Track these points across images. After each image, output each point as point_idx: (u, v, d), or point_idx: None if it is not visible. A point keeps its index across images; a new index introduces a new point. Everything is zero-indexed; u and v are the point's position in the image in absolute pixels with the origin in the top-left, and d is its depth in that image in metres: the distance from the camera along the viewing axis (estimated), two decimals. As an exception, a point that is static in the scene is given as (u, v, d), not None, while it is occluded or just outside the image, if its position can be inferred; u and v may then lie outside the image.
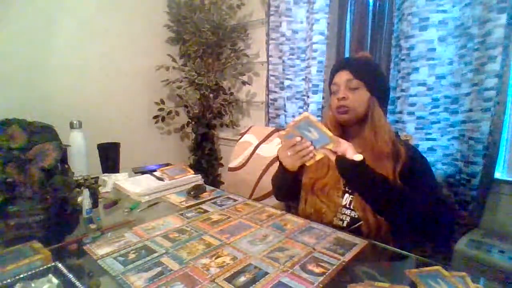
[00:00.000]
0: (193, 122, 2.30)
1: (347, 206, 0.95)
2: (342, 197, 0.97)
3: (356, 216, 0.93)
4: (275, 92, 1.95)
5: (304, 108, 1.82)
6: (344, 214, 0.96)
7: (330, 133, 0.83)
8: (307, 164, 0.89)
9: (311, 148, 0.86)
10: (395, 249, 0.80)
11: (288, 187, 1.08)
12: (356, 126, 0.97)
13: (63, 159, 0.93)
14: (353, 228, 0.92)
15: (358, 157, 0.81)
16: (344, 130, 1.01)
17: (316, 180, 1.00)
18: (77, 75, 1.87)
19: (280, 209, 1.04)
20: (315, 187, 1.00)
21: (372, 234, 0.89)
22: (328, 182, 0.98)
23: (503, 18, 1.12)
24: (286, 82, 1.88)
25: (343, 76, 0.96)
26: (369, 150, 0.92)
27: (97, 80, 1.96)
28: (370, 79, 0.95)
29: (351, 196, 0.95)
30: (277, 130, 1.64)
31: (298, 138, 0.86)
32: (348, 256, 0.74)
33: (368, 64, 0.99)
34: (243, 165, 1.68)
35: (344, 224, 0.94)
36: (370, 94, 0.94)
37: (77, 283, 0.60)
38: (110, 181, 1.26)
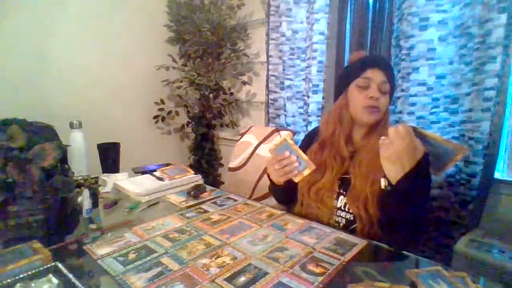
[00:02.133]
0: (193, 122, 2.30)
1: (342, 208, 0.95)
2: (337, 199, 0.97)
3: (352, 218, 0.92)
4: (275, 92, 1.95)
5: (304, 108, 1.82)
6: (339, 216, 0.96)
7: (305, 157, 0.88)
8: (295, 180, 0.91)
9: (296, 164, 0.88)
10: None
11: (280, 195, 1.10)
12: (366, 128, 0.97)
13: (63, 159, 0.93)
14: (347, 231, 0.92)
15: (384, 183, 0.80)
16: (351, 130, 1.00)
17: (312, 184, 1.00)
18: (78, 75, 1.87)
19: (280, 209, 1.04)
20: (310, 191, 1.00)
21: (366, 231, 0.89)
22: (323, 186, 0.98)
23: (503, 18, 1.12)
24: (286, 82, 1.88)
25: (379, 76, 0.92)
26: (368, 151, 0.93)
27: (97, 80, 1.96)
28: (394, 86, 0.97)
29: (345, 198, 0.95)
30: (277, 130, 1.64)
31: (287, 153, 0.88)
32: (348, 256, 0.74)
33: (393, 69, 1.00)
34: (243, 165, 1.68)
35: (340, 226, 0.95)
36: (389, 101, 0.96)
37: (77, 283, 0.60)
38: (110, 181, 1.26)
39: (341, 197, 0.96)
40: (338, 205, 0.96)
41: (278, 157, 0.90)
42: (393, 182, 0.77)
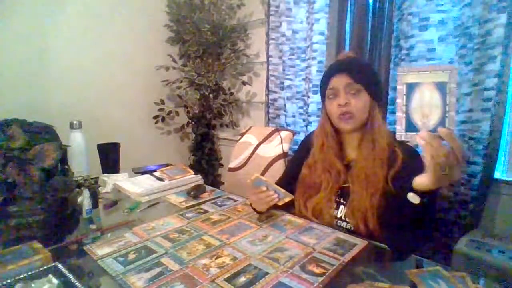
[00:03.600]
0: (193, 122, 2.30)
1: (343, 218, 0.94)
2: (337, 209, 0.95)
3: (353, 228, 0.91)
4: (275, 92, 1.95)
5: (304, 108, 1.82)
6: (340, 226, 0.94)
7: (282, 190, 0.90)
8: (279, 204, 0.92)
9: (275, 196, 0.90)
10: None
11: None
12: (354, 133, 0.95)
13: (63, 159, 0.93)
14: None
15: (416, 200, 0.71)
16: (340, 137, 0.99)
17: (309, 197, 0.98)
18: (77, 75, 1.87)
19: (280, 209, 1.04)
20: (307, 206, 0.98)
21: None
22: (320, 201, 0.96)
23: (503, 18, 1.12)
24: (286, 82, 1.88)
25: (342, 80, 0.91)
26: (363, 160, 0.91)
27: (97, 80, 1.96)
28: (370, 82, 0.92)
29: (346, 207, 0.93)
30: (277, 130, 1.64)
31: (264, 188, 0.91)
32: (348, 256, 0.74)
33: (366, 66, 0.95)
34: (243, 165, 1.68)
35: None
36: (371, 98, 0.91)
37: (77, 283, 0.60)
38: (110, 181, 1.26)
39: (342, 206, 0.95)
40: (339, 215, 0.95)
41: (256, 190, 0.92)
42: (427, 190, 0.67)
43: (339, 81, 0.91)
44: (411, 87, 0.58)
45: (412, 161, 0.87)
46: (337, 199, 0.96)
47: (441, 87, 0.56)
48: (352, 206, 0.90)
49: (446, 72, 0.55)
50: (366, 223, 0.87)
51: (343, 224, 0.94)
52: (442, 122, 0.57)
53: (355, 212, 0.89)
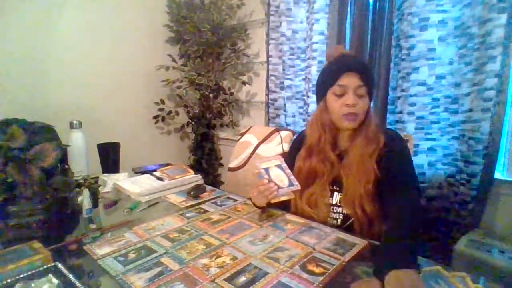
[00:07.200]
0: (193, 122, 2.30)
1: (338, 204, 0.96)
2: (332, 197, 0.97)
3: (348, 214, 0.93)
4: (275, 92, 1.95)
5: (304, 108, 1.82)
6: (337, 212, 0.96)
7: (293, 178, 0.94)
8: (271, 201, 0.93)
9: (275, 188, 0.91)
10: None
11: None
12: (351, 131, 0.96)
13: (63, 159, 0.93)
14: (347, 225, 0.93)
15: None
16: (335, 133, 0.99)
17: (304, 190, 0.99)
18: (78, 75, 1.87)
19: (280, 209, 1.04)
20: (303, 197, 0.99)
21: (364, 230, 0.89)
22: (315, 190, 0.97)
23: (503, 18, 1.12)
24: (286, 82, 1.89)
25: (355, 81, 0.91)
26: (358, 156, 0.92)
27: (97, 80, 1.96)
28: (372, 85, 0.96)
29: (340, 194, 0.95)
30: (277, 130, 1.63)
31: (266, 180, 0.92)
32: (348, 256, 0.74)
33: (370, 69, 0.99)
34: (243, 165, 1.67)
35: (339, 223, 0.95)
36: (369, 100, 0.95)
37: (77, 283, 0.60)
38: (110, 181, 1.26)
39: (336, 193, 0.97)
40: (334, 202, 0.97)
41: (258, 182, 0.92)
42: None
43: (351, 81, 0.91)
44: (266, 169, 0.94)
45: (392, 143, 0.92)
46: (331, 187, 0.98)
47: (279, 166, 0.95)
48: (348, 193, 0.92)
49: (278, 159, 0.96)
50: (363, 209, 0.89)
51: (339, 210, 0.95)
52: (291, 182, 0.93)
53: (351, 200, 0.90)
